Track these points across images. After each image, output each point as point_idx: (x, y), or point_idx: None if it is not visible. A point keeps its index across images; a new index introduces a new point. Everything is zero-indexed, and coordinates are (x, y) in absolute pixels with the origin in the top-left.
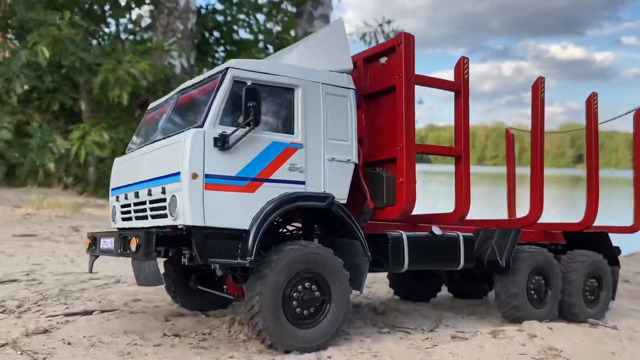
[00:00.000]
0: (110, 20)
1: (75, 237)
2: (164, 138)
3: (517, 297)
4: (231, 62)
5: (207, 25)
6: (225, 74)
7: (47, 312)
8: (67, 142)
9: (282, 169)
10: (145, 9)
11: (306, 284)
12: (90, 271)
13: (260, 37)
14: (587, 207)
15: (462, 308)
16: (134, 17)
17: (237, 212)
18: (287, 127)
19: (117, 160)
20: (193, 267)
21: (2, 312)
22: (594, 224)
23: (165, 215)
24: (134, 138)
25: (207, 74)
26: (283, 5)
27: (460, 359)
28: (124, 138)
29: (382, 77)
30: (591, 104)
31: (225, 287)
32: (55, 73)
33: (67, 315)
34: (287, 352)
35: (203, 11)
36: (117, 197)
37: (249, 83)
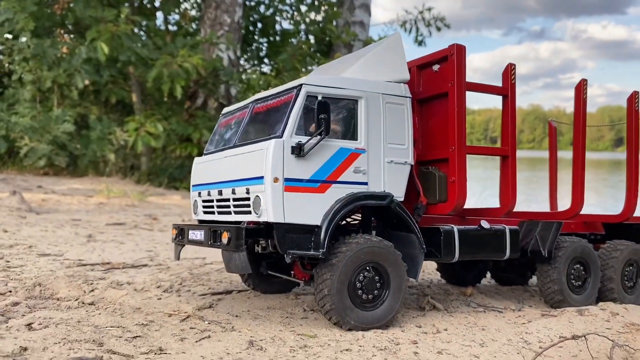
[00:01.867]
0: (158, 14)
1: (159, 224)
2: (244, 144)
3: (558, 284)
4: (304, 79)
5: (252, 18)
6: (300, 89)
7: (196, 291)
8: (125, 133)
9: (348, 172)
10: (192, 3)
11: (368, 273)
12: (178, 259)
13: (303, 27)
14: (627, 199)
15: (523, 291)
16: (181, 10)
17: (311, 210)
18: (352, 134)
19: (197, 160)
20: (264, 255)
21: (164, 292)
22: (633, 215)
23: (248, 212)
24: (212, 140)
25: (281, 87)
26: None
27: (554, 332)
28: (175, 129)
29: (435, 83)
30: (632, 101)
31: (292, 272)
32: (111, 68)
33: (213, 294)
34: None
35: (248, 3)
36: (199, 193)
37: (319, 97)
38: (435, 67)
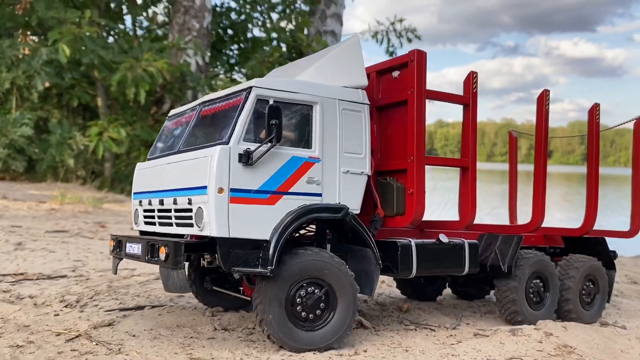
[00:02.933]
0: (126, 17)
1: (104, 233)
2: (189, 150)
3: (516, 302)
4: (254, 82)
5: (222, 24)
6: (249, 92)
7: (104, 306)
8: (86, 138)
9: (301, 182)
10: (162, 8)
11: (309, 289)
12: (115, 273)
13: (274, 35)
14: (587, 213)
15: (478, 307)
16: (150, 15)
17: (259, 223)
18: (305, 142)
19: (139, 165)
20: (209, 269)
21: (65, 307)
22: (592, 229)
23: (190, 225)
24: (156, 144)
25: (230, 90)
26: (297, 4)
27: (483, 354)
28: (140, 134)
29: (395, 90)
30: (593, 113)
31: (241, 288)
32: (74, 70)
33: (122, 310)
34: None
35: (218, 9)
36: (140, 201)
37: (271, 101)
38: (395, 74)
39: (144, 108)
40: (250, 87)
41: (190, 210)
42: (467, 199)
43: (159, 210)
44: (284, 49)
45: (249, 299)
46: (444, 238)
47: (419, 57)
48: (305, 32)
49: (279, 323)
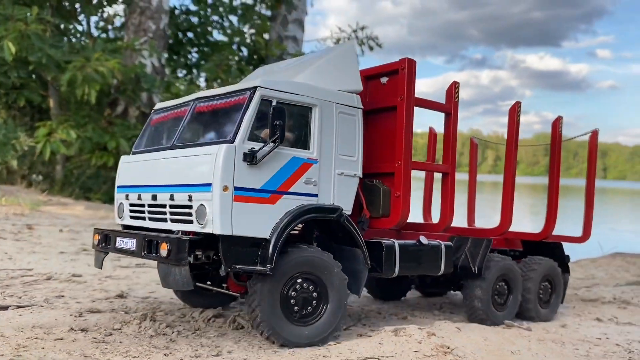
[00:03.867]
0: (81, 17)
1: (26, 234)
2: (186, 146)
3: (483, 302)
4: (259, 82)
5: (181, 26)
6: (254, 92)
7: None
8: (32, 139)
9: (299, 183)
10: (118, 8)
11: (304, 285)
12: (101, 267)
13: (235, 39)
14: (547, 219)
15: (402, 307)
16: (105, 15)
17: (260, 222)
18: (304, 143)
19: (124, 158)
20: (193, 266)
21: None
22: (552, 234)
23: (189, 221)
24: (142, 138)
25: (230, 88)
26: (257, 8)
27: (357, 354)
28: (91, 137)
29: (383, 96)
30: (556, 125)
31: (225, 285)
32: (21, 69)
33: None
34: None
35: (177, 12)
36: (127, 195)
37: (274, 102)
38: (384, 80)
39: (97, 110)
40: (255, 87)
41: (189, 206)
42: (447, 203)
43: (150, 205)
44: (246, 53)
45: (236, 294)
46: (424, 240)
47: (410, 66)
48: (267, 37)
49: (275, 318)
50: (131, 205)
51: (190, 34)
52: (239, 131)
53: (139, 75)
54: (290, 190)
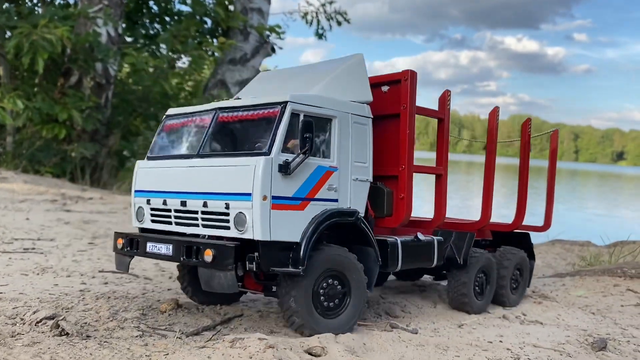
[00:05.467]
0: None
1: None
2: (214, 155)
3: (466, 290)
4: (289, 97)
5: None
6: (285, 107)
7: None
8: None
9: (323, 189)
10: None
11: (332, 282)
12: (127, 271)
13: (198, 9)
14: (517, 212)
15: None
16: None
17: (292, 227)
18: (326, 152)
19: (142, 164)
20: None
21: None
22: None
23: (224, 227)
24: (156, 144)
25: (257, 100)
26: None
27: None
28: (41, 107)
29: (385, 104)
30: (525, 127)
31: (241, 283)
32: None
33: None
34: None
35: None
36: (148, 200)
37: (301, 115)
38: (385, 88)
39: (50, 80)
40: (286, 102)
41: (226, 214)
42: (440, 201)
43: (178, 211)
44: (210, 24)
45: (257, 292)
46: (421, 236)
47: (412, 77)
48: (232, 8)
49: (306, 312)
50: (154, 209)
51: (151, 3)
52: (274, 144)
53: (93, 44)
54: (316, 196)
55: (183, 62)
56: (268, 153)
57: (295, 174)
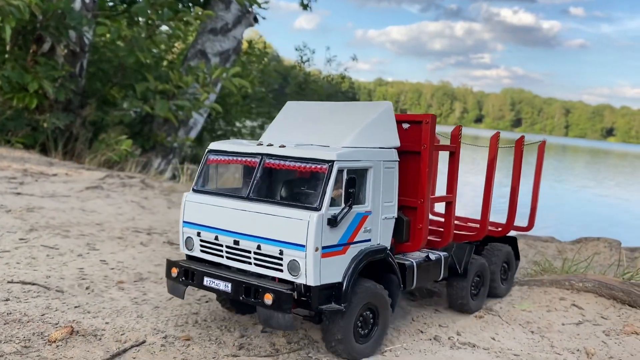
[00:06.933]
0: None
1: None
2: (263, 201)
3: (465, 293)
4: (336, 156)
5: None
6: (332, 165)
7: None
8: None
9: (360, 232)
10: None
11: (367, 313)
12: (183, 297)
13: None
14: (508, 218)
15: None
16: None
17: (336, 270)
18: (362, 198)
19: (190, 197)
20: None
21: None
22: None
23: (277, 269)
24: (203, 178)
25: (304, 154)
26: None
27: None
28: (10, 75)
29: (405, 140)
30: (520, 144)
31: None
32: None
33: None
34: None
35: None
36: (199, 232)
37: (344, 172)
38: (405, 126)
39: (22, 47)
40: (333, 162)
41: (279, 258)
42: (449, 225)
43: (231, 248)
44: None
45: (299, 314)
46: (432, 256)
47: (433, 120)
48: None
49: (348, 342)
50: (205, 242)
51: None
52: (324, 200)
53: (65, 11)
54: (355, 240)
55: (168, 30)
56: (319, 208)
57: (340, 224)
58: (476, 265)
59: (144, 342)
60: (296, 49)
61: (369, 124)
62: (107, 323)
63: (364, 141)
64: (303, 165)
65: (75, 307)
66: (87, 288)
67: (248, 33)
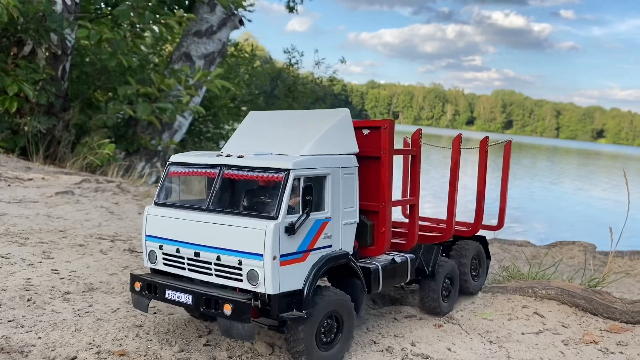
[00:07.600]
0: None
1: None
2: (222, 212)
3: (435, 296)
4: (292, 164)
5: None
6: (288, 174)
7: None
8: None
9: (320, 239)
10: None
11: (330, 321)
12: (147, 311)
13: None
14: (475, 219)
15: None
16: None
17: (296, 277)
18: (320, 205)
19: (151, 210)
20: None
21: None
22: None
23: (237, 279)
24: (162, 189)
25: (260, 163)
26: None
27: None
28: None
29: (365, 146)
30: (484, 145)
31: None
32: None
33: None
34: None
35: None
36: (161, 245)
37: (302, 180)
38: (365, 131)
39: (2, 50)
40: (289, 170)
41: (239, 269)
42: (414, 228)
43: (191, 259)
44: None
45: (261, 323)
46: (397, 258)
47: (391, 126)
48: None
49: (310, 348)
50: (167, 254)
51: None
52: (281, 209)
53: (46, 13)
54: (315, 246)
55: (155, 33)
56: (276, 217)
57: (297, 231)
58: (446, 268)
59: (74, 358)
60: (284, 51)
61: (327, 131)
62: (39, 338)
63: (323, 148)
64: (261, 174)
65: (9, 321)
66: (28, 300)
67: (240, 35)
